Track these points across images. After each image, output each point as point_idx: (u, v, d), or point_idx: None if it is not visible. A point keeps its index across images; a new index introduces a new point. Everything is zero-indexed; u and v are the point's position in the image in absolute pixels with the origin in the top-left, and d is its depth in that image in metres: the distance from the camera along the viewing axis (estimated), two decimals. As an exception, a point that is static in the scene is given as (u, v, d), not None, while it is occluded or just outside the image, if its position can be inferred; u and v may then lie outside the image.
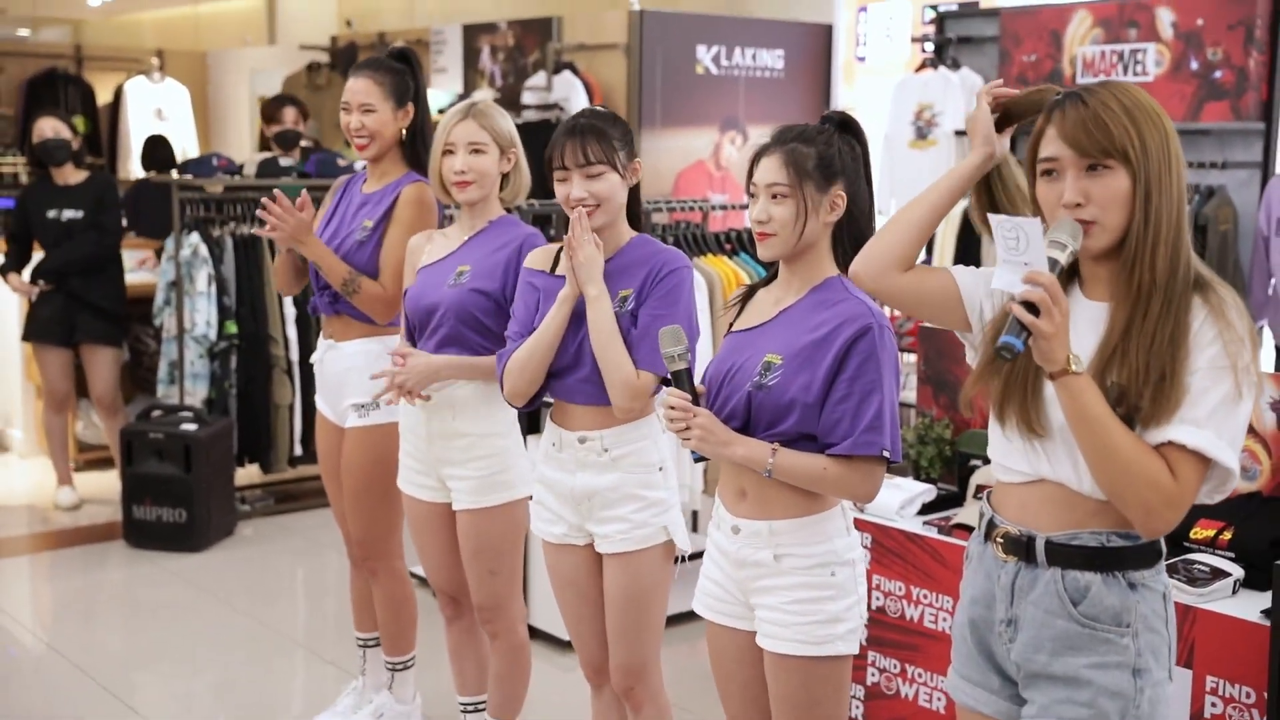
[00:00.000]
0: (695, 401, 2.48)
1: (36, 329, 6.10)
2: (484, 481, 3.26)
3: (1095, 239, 1.96)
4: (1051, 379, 1.89)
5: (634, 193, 2.91)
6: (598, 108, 2.92)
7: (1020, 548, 2.06)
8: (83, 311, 6.03)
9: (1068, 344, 1.87)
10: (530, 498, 3.32)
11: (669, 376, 2.65)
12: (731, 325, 2.60)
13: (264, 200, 3.53)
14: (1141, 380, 1.91)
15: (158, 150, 8.53)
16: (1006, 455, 2.11)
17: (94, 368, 6.14)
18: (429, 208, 3.59)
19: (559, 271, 2.89)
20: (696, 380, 2.56)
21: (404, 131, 3.66)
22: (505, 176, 3.32)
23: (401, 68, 3.67)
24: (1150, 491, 1.88)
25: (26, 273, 6.08)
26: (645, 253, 2.86)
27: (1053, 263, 1.89)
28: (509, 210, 3.42)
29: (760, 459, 2.41)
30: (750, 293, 2.63)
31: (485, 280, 3.21)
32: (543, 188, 7.46)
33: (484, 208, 3.31)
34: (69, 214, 5.97)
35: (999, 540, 2.09)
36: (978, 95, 2.19)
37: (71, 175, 6.05)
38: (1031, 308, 1.84)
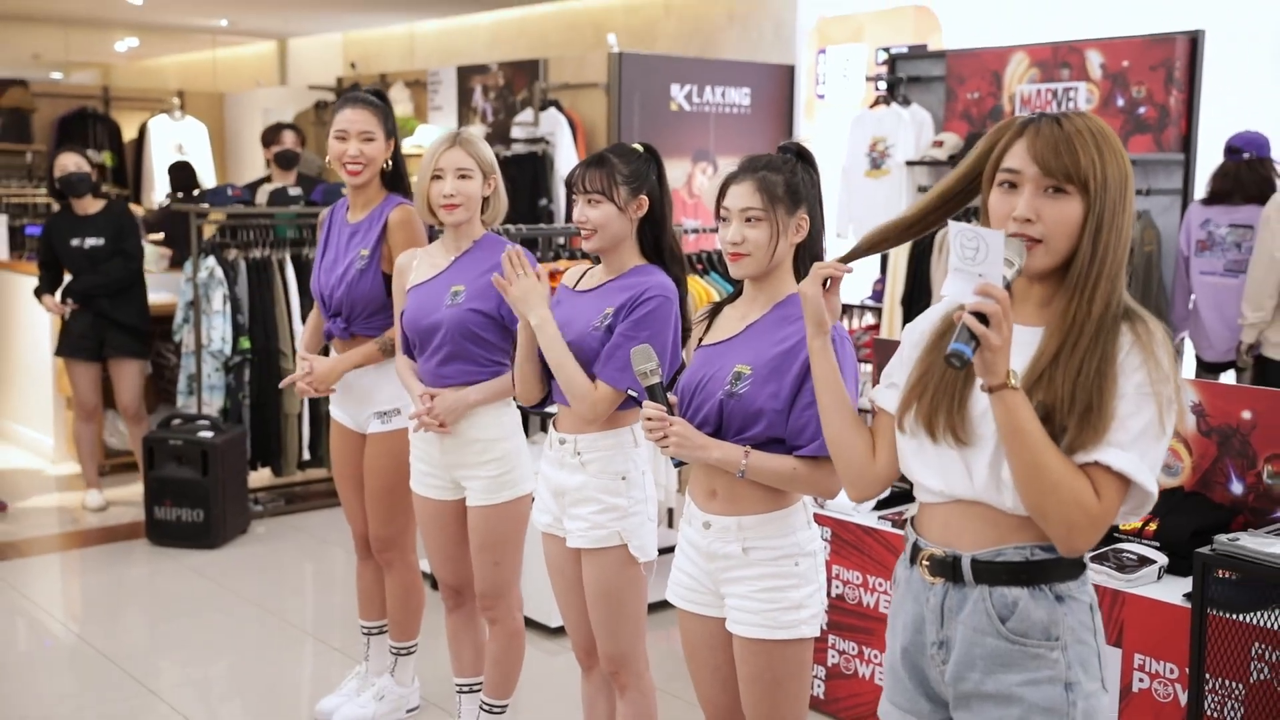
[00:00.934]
0: (670, 412, 2.48)
1: (69, 345, 6.06)
2: (494, 481, 3.27)
3: (1037, 259, 1.83)
4: (990, 391, 1.76)
5: (654, 225, 2.87)
6: (634, 145, 2.89)
7: (946, 568, 1.91)
8: (111, 329, 6.01)
9: (1009, 358, 1.75)
10: (531, 495, 3.33)
11: (632, 392, 2.64)
12: (701, 340, 2.60)
13: (284, 386, 3.72)
14: (1066, 409, 1.79)
15: (182, 174, 8.51)
16: (926, 476, 1.95)
17: (121, 379, 6.11)
18: (418, 226, 3.59)
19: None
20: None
21: (388, 161, 3.66)
22: (485, 200, 3.33)
23: (383, 104, 3.67)
24: (1075, 511, 1.76)
25: (58, 294, 6.04)
26: (636, 279, 2.84)
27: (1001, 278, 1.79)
28: (497, 233, 3.43)
29: (734, 460, 2.41)
30: (716, 310, 2.63)
31: (481, 300, 3.21)
32: (530, 214, 7.48)
33: (468, 229, 3.31)
34: (91, 241, 5.93)
35: (925, 563, 1.94)
36: (813, 274, 2.06)
37: (91, 205, 6.00)
38: (983, 319, 1.71)
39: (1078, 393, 1.78)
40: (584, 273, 2.98)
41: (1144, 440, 1.78)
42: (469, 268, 3.27)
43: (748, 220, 2.44)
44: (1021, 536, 1.87)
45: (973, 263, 1.76)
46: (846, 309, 6.45)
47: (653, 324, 2.76)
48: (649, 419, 2.46)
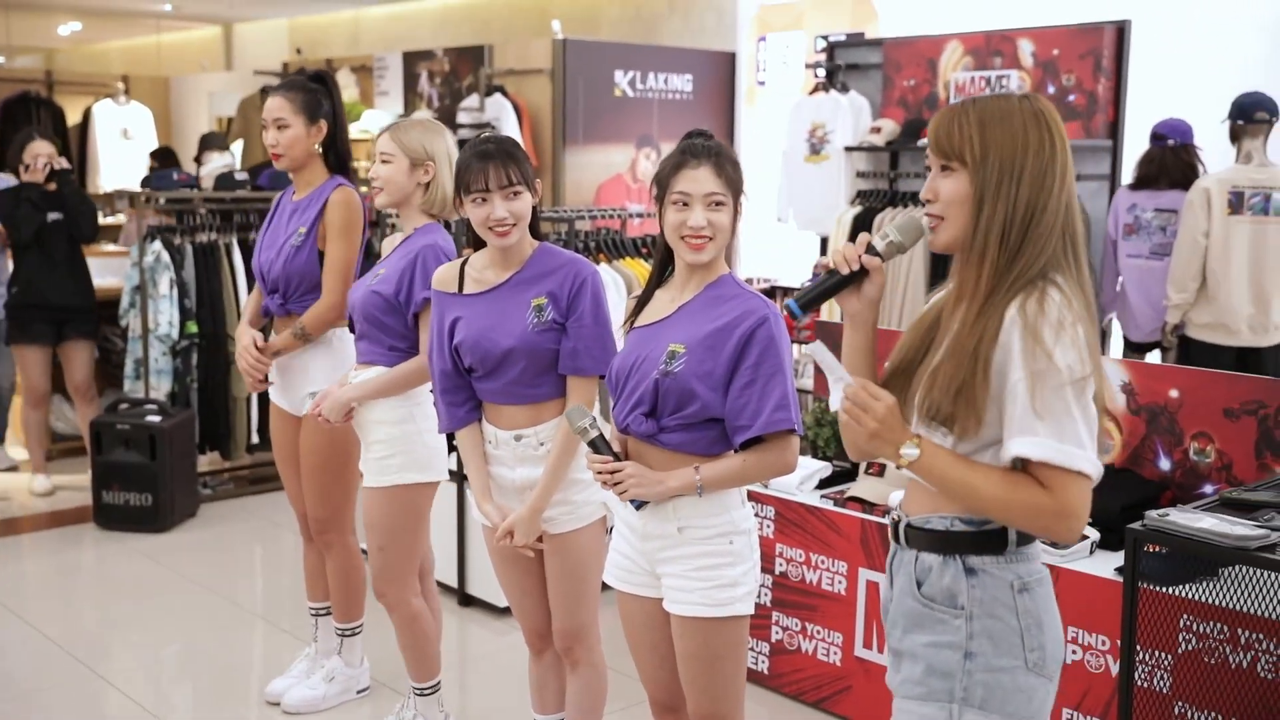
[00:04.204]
0: (616, 458, 2.45)
1: (24, 334, 5.91)
2: (379, 463, 3.23)
3: (938, 234, 1.88)
4: (901, 468, 1.83)
5: (534, 208, 2.81)
6: (499, 135, 2.82)
7: (894, 531, 1.97)
8: (66, 314, 5.91)
9: (898, 436, 1.81)
10: (431, 486, 3.26)
11: (589, 444, 2.49)
12: (633, 323, 2.54)
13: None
14: (942, 391, 1.80)
15: (166, 159, 8.35)
16: None
17: (74, 360, 6.00)
18: (356, 208, 3.56)
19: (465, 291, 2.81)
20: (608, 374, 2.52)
21: (319, 145, 3.59)
22: (426, 187, 3.27)
23: (316, 87, 3.60)
24: (1034, 518, 1.77)
25: None
26: (555, 261, 2.77)
27: (870, 249, 1.92)
28: (446, 223, 3.38)
29: (689, 483, 2.38)
30: (647, 294, 2.55)
31: (385, 284, 3.18)
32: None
33: (409, 217, 3.28)
34: (53, 216, 5.81)
35: (889, 524, 2.01)
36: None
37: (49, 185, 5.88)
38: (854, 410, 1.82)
39: (955, 371, 1.79)
40: (461, 274, 2.83)
41: (1051, 418, 1.74)
42: (399, 254, 3.24)
43: (713, 205, 2.39)
44: (948, 508, 1.89)
45: (831, 377, 1.92)
46: (787, 292, 6.45)
47: (600, 301, 2.73)
48: (600, 473, 2.43)
